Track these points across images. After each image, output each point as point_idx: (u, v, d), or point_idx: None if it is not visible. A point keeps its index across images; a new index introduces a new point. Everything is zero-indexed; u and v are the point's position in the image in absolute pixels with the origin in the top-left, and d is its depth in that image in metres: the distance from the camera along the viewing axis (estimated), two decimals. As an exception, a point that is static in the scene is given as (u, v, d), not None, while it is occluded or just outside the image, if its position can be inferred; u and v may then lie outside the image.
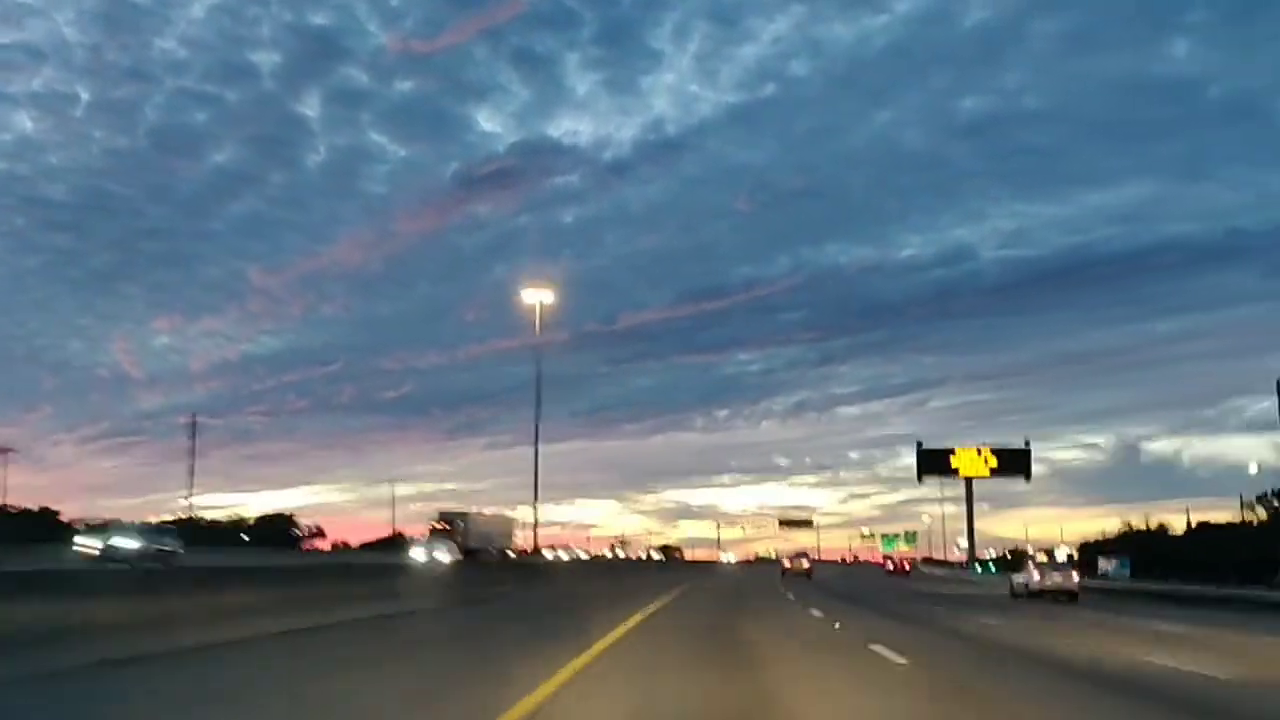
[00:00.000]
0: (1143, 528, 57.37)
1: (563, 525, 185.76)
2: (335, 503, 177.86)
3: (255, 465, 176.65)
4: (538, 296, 44.43)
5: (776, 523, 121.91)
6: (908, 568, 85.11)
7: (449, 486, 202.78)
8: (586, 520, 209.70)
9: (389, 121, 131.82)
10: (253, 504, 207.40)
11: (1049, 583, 36.16)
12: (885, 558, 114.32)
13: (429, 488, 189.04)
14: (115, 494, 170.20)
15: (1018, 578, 39.34)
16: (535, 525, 47.64)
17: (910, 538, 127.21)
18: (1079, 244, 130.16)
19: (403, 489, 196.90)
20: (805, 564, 65.35)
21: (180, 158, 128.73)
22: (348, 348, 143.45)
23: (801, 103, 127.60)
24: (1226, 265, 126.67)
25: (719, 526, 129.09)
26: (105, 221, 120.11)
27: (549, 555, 62.33)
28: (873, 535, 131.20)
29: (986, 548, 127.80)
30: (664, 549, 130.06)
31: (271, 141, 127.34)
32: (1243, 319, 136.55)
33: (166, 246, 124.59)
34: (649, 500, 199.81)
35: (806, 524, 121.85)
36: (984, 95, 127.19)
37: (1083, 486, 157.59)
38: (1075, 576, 37.10)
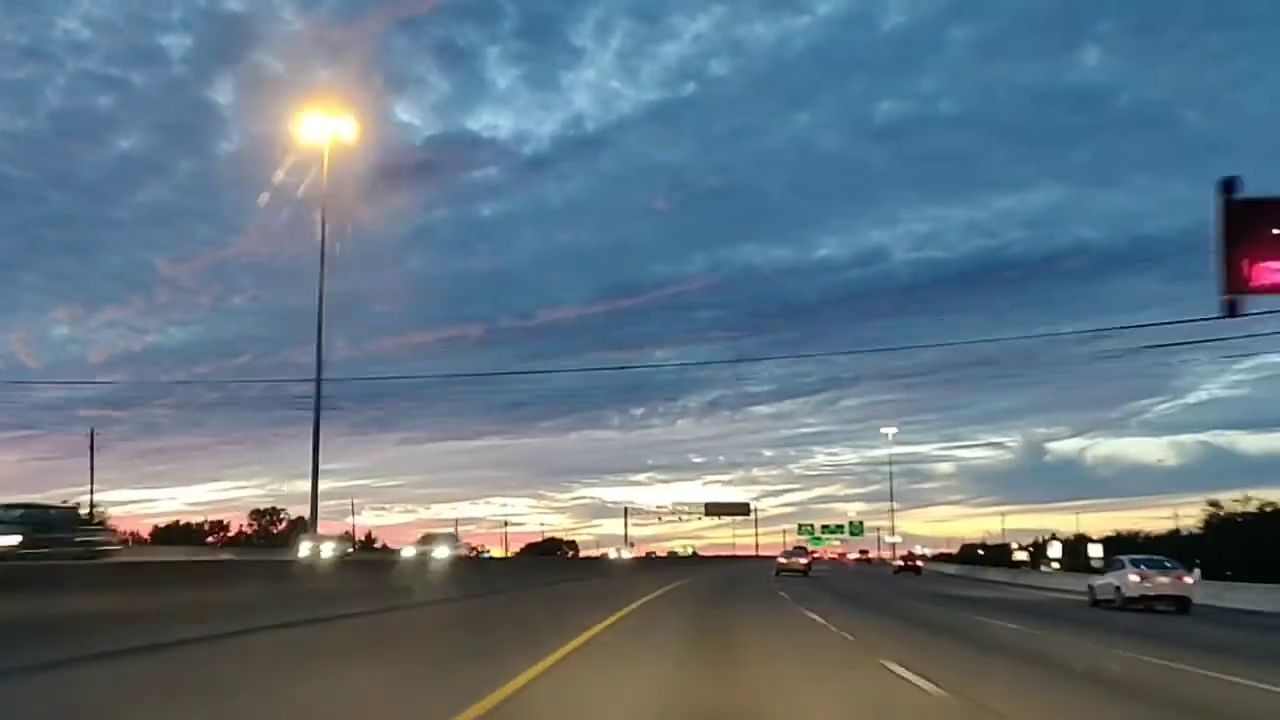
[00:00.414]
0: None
1: (478, 522, 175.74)
2: (245, 498, 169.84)
3: (164, 461, 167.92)
4: (328, 129, 27.64)
5: (703, 509, 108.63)
6: (920, 565, 73.51)
7: (362, 483, 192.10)
8: (503, 516, 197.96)
9: (303, 110, 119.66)
10: (161, 501, 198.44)
11: (1152, 587, 27.29)
12: (858, 554, 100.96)
13: (340, 484, 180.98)
14: (14, 489, 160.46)
15: (1102, 580, 29.92)
16: (314, 506, 30.59)
17: (856, 529, 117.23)
18: (989, 247, 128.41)
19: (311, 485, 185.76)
20: (802, 561, 59.28)
21: (84, 143, 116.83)
22: (258, 340, 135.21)
23: (721, 102, 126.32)
24: (1131, 270, 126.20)
25: (626, 519, 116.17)
26: (3, 206, 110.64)
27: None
28: (811, 528, 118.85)
29: (913, 545, 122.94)
30: (548, 544, 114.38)
31: (181, 128, 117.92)
32: (1142, 323, 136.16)
33: (68, 234, 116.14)
34: (565, 498, 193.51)
35: (743, 511, 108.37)
36: (900, 100, 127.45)
37: (989, 485, 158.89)
38: (1190, 579, 28.24)
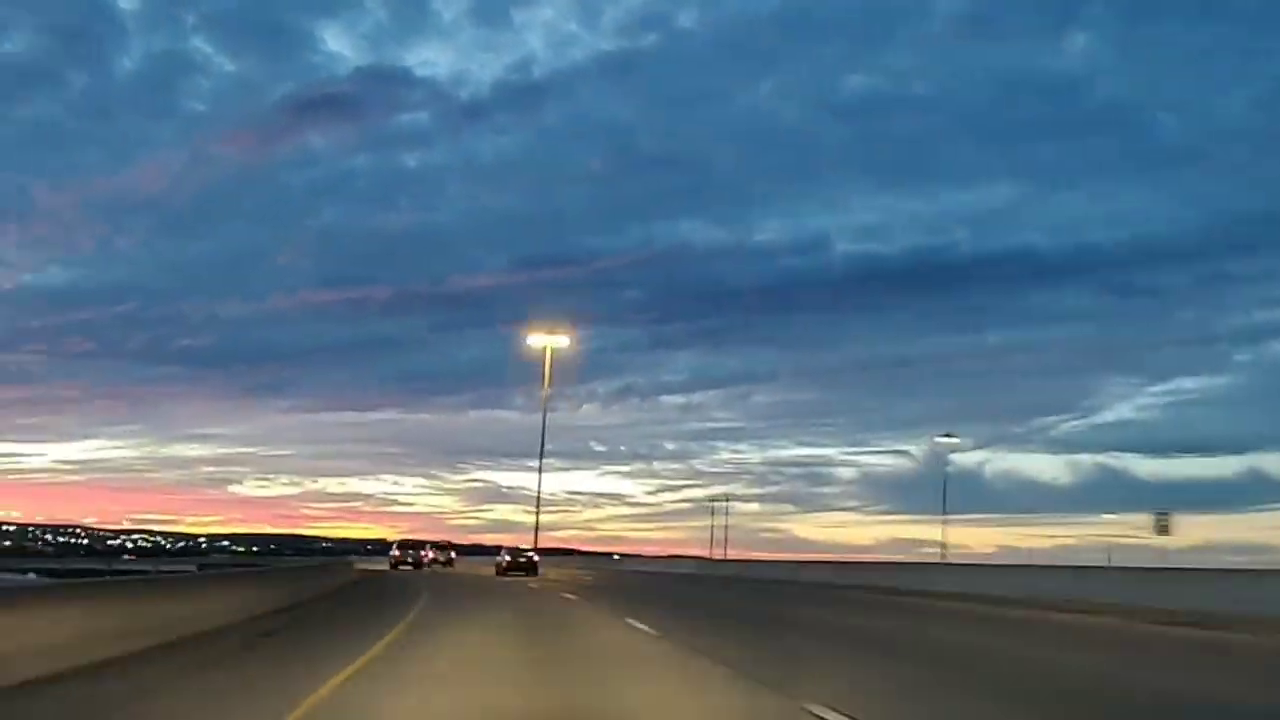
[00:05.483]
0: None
1: (365, 499, 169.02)
2: (119, 459, 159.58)
3: (29, 411, 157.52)
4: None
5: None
6: None
7: (246, 450, 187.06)
8: (393, 495, 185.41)
9: (218, 27, 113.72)
10: (29, 458, 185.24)
11: None
12: None
13: (223, 450, 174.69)
14: None
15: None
16: None
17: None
18: (932, 245, 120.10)
19: (193, 449, 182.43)
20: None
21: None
22: (143, 287, 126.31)
23: (682, 59, 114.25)
24: (1066, 280, 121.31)
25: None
26: None
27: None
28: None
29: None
30: None
31: (75, 35, 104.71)
32: (1067, 337, 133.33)
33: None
34: (458, 479, 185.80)
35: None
36: (871, 74, 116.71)
37: (885, 493, 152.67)
38: None
